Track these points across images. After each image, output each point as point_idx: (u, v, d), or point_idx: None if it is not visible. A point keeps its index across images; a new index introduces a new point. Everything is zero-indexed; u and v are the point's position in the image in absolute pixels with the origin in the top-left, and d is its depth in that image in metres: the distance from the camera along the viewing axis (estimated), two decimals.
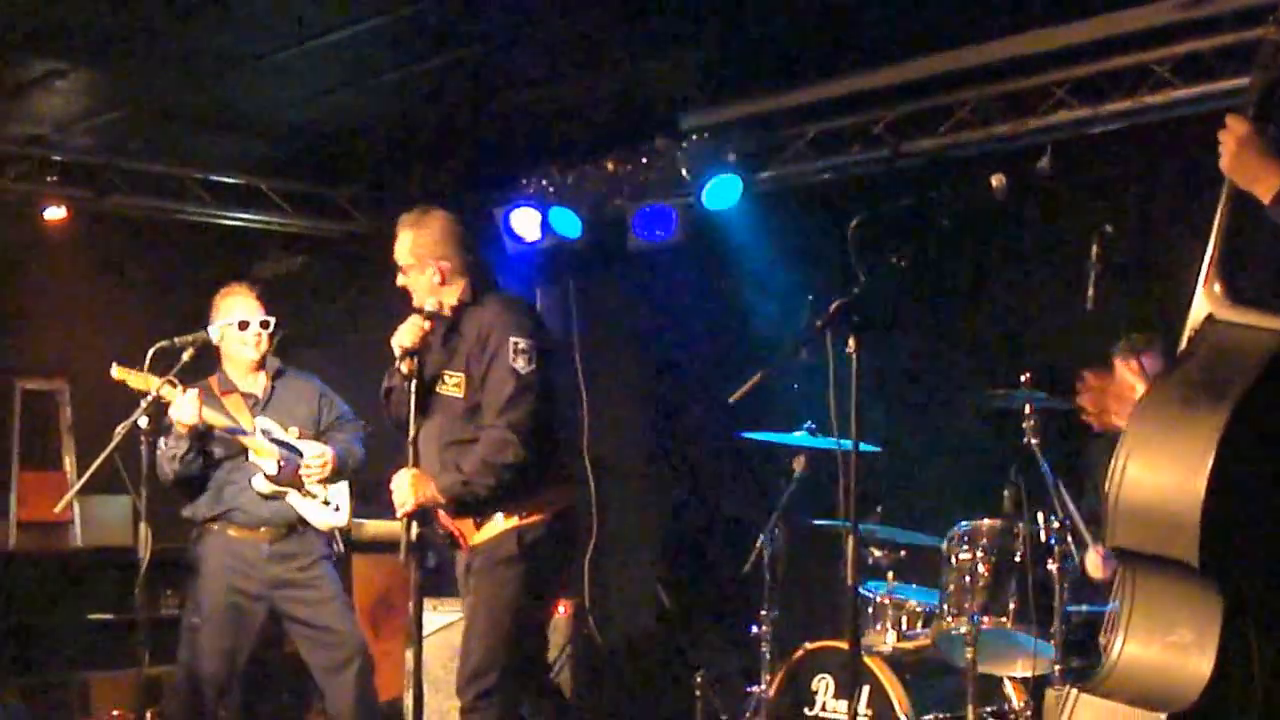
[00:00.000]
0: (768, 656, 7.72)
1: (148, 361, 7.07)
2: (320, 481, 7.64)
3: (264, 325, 7.70)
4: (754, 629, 7.81)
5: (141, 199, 10.30)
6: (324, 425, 7.85)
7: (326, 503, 7.68)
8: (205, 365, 7.74)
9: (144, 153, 10.17)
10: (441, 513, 6.42)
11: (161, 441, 7.36)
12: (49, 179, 9.98)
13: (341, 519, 7.73)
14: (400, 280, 6.52)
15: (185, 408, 7.29)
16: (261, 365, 7.79)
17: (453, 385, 6.39)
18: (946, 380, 8.65)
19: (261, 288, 7.81)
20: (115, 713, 9.27)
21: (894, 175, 8.91)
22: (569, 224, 9.94)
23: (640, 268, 10.20)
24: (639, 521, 10.34)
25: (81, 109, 9.33)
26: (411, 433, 6.22)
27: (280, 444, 7.62)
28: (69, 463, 10.97)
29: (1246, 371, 3.82)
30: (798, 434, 7.68)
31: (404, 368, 6.29)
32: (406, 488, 6.18)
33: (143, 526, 6.98)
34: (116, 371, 7.19)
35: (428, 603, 7.29)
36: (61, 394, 11.05)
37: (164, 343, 7.17)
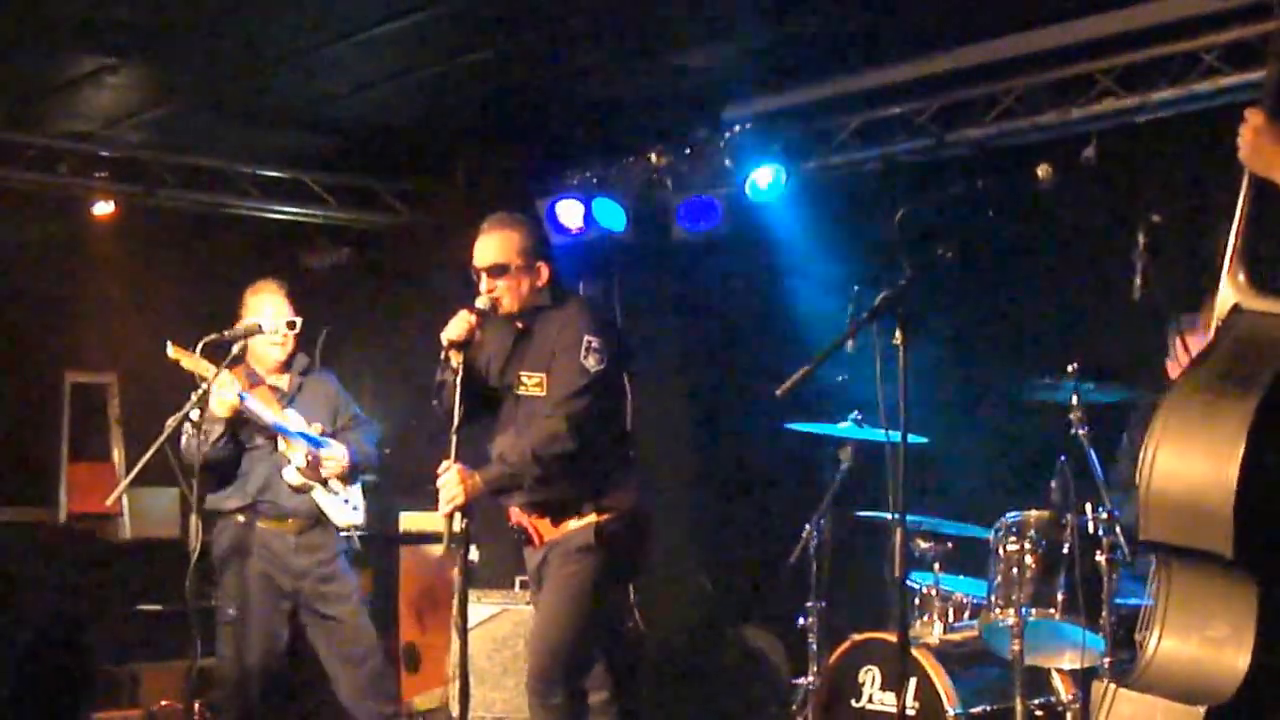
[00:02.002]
0: (814, 648, 7.71)
1: (197, 353, 7.05)
2: (339, 478, 7.64)
3: (290, 326, 7.70)
4: (800, 620, 7.80)
5: (189, 193, 10.36)
6: (339, 424, 7.84)
7: (346, 500, 7.68)
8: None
9: (192, 148, 10.22)
10: (515, 509, 6.44)
11: (188, 432, 7.34)
12: (98, 174, 10.03)
13: (359, 517, 7.73)
14: (490, 283, 6.39)
15: (225, 392, 7.30)
16: (289, 362, 7.81)
17: (534, 386, 6.38)
18: (994, 370, 8.57)
19: (290, 286, 7.83)
20: (164, 703, 9.25)
21: (939, 165, 8.88)
22: (613, 216, 9.91)
23: (684, 259, 10.17)
24: (685, 513, 10.27)
25: (131, 104, 9.37)
26: (454, 424, 6.17)
27: (306, 438, 7.61)
28: (117, 455, 11.04)
29: (1274, 359, 3.80)
30: (844, 425, 7.65)
31: (453, 360, 6.26)
32: (455, 482, 6.14)
33: (193, 519, 7.00)
34: (172, 351, 7.15)
35: (472, 594, 7.28)
36: (110, 387, 11.14)
37: (213, 336, 7.16)
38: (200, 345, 7.05)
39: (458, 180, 10.62)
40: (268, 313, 7.65)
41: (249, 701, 7.51)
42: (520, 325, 6.50)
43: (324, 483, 7.62)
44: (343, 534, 7.71)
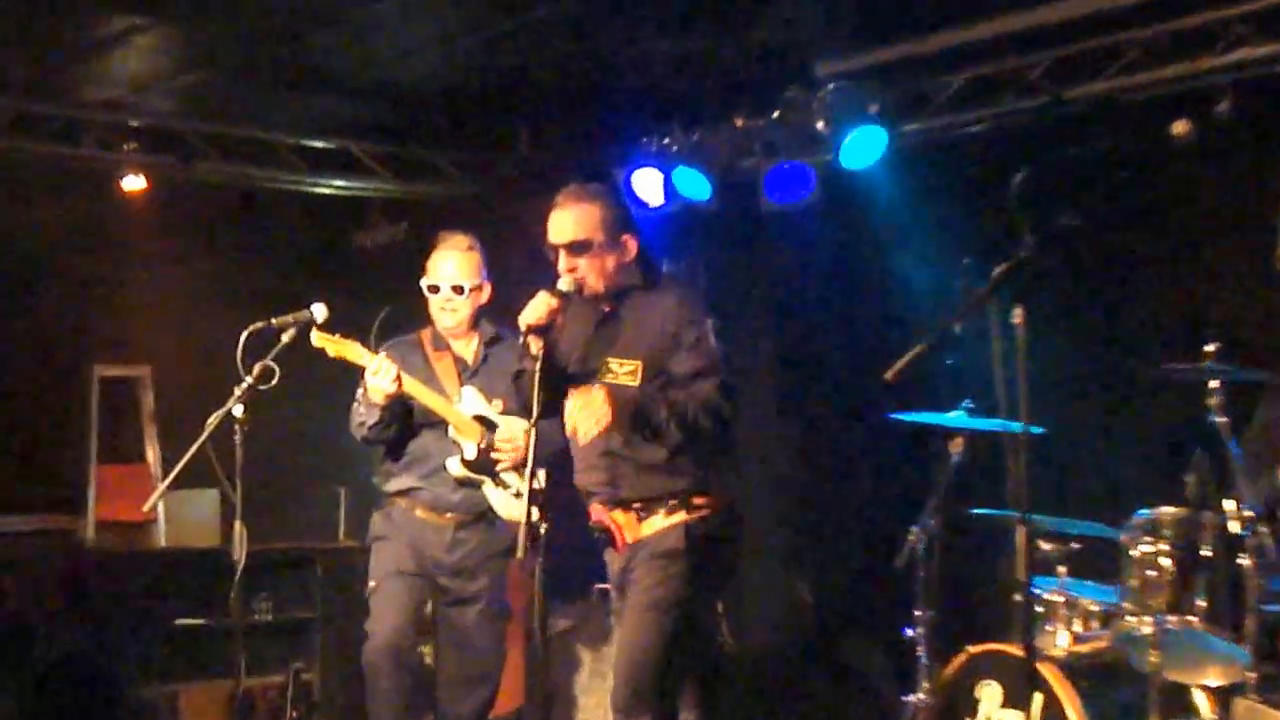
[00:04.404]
0: (924, 661, 7.70)
1: (240, 347, 6.95)
2: (513, 468, 7.72)
3: (457, 290, 7.86)
4: (908, 631, 7.79)
5: (228, 165, 10.42)
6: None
7: (518, 494, 7.74)
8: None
9: (229, 115, 10.28)
10: (596, 505, 6.47)
11: (355, 404, 7.65)
12: (127, 146, 10.07)
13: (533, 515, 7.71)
14: (570, 261, 6.40)
15: (382, 378, 7.48)
16: (474, 327, 7.98)
17: (625, 374, 6.36)
18: (1122, 352, 8.50)
19: (471, 241, 7.97)
20: None
21: (1054, 125, 8.77)
22: (695, 186, 9.92)
23: (774, 233, 10.19)
24: (775, 511, 10.29)
25: (162, 68, 9.41)
26: (534, 416, 6.17)
27: (481, 420, 7.77)
28: (152, 455, 11.06)
29: None
30: (954, 414, 7.63)
31: (532, 347, 6.25)
32: (600, 403, 6.11)
33: (237, 525, 6.99)
34: (316, 338, 7.34)
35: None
36: (143, 380, 11.13)
37: (259, 324, 7.09)
38: (244, 335, 7.00)
39: (522, 149, 10.69)
40: (444, 270, 7.85)
41: (379, 682, 7.63)
42: (606, 307, 6.52)
43: (495, 476, 7.77)
44: (511, 532, 7.61)
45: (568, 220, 6.41)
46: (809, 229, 10.01)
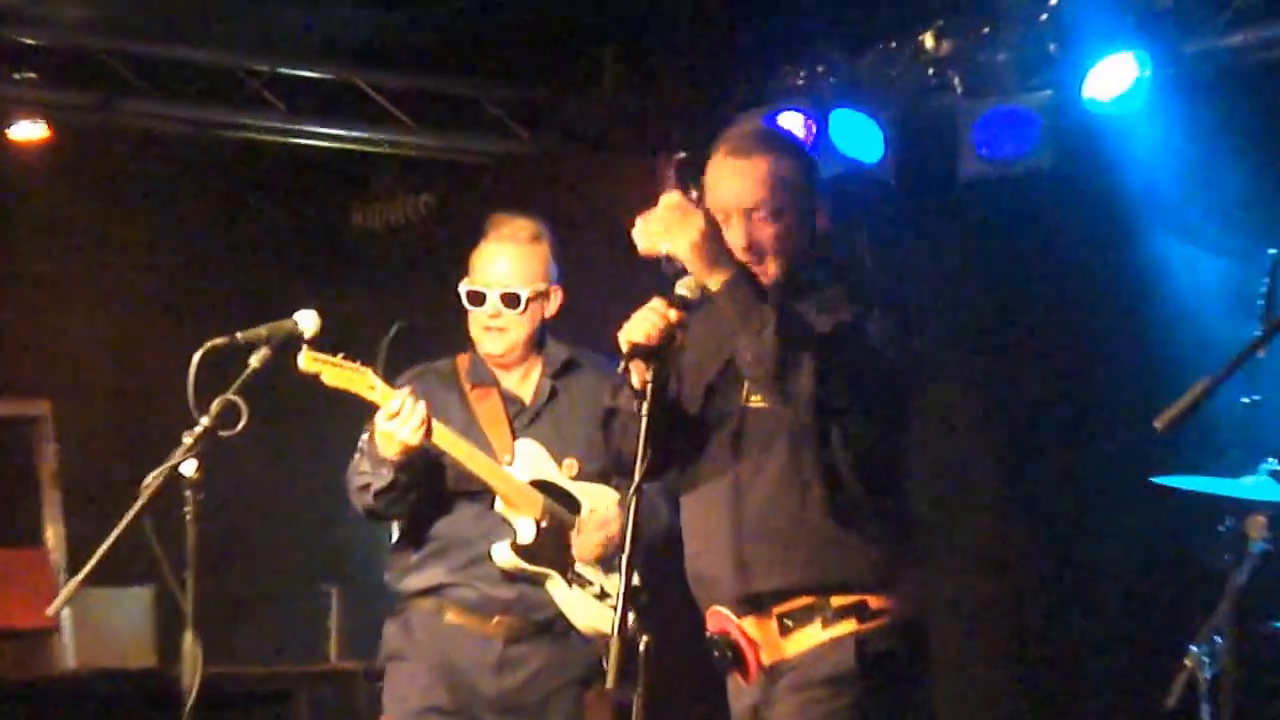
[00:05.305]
0: None
1: (191, 375, 6.57)
2: (597, 561, 7.67)
3: (510, 301, 7.70)
4: None
5: (169, 106, 10.48)
6: None
7: (603, 595, 7.69)
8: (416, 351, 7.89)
9: (171, 34, 10.34)
10: (718, 609, 6.26)
11: (356, 458, 7.53)
12: (19, 75, 10.16)
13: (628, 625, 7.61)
14: (744, 235, 6.20)
15: (402, 424, 7.34)
16: (534, 352, 7.87)
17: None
18: None
19: (537, 229, 7.82)
20: None
21: None
22: (862, 138, 10.00)
23: (979, 204, 10.27)
24: (977, 605, 10.43)
25: None
26: (636, 478, 5.94)
27: (544, 487, 7.67)
28: (53, 534, 11.08)
29: None
30: (1253, 480, 7.58)
31: (634, 378, 6.09)
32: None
33: (186, 639, 6.49)
34: (305, 361, 7.24)
35: None
36: (40, 423, 11.16)
37: (218, 340, 6.71)
38: (198, 355, 6.59)
39: (606, 87, 10.67)
40: (495, 270, 7.74)
41: None
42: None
43: (565, 569, 7.67)
44: (591, 648, 7.65)
45: (752, 173, 6.27)
46: (1031, 201, 10.07)
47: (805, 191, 6.32)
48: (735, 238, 6.16)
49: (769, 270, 6.23)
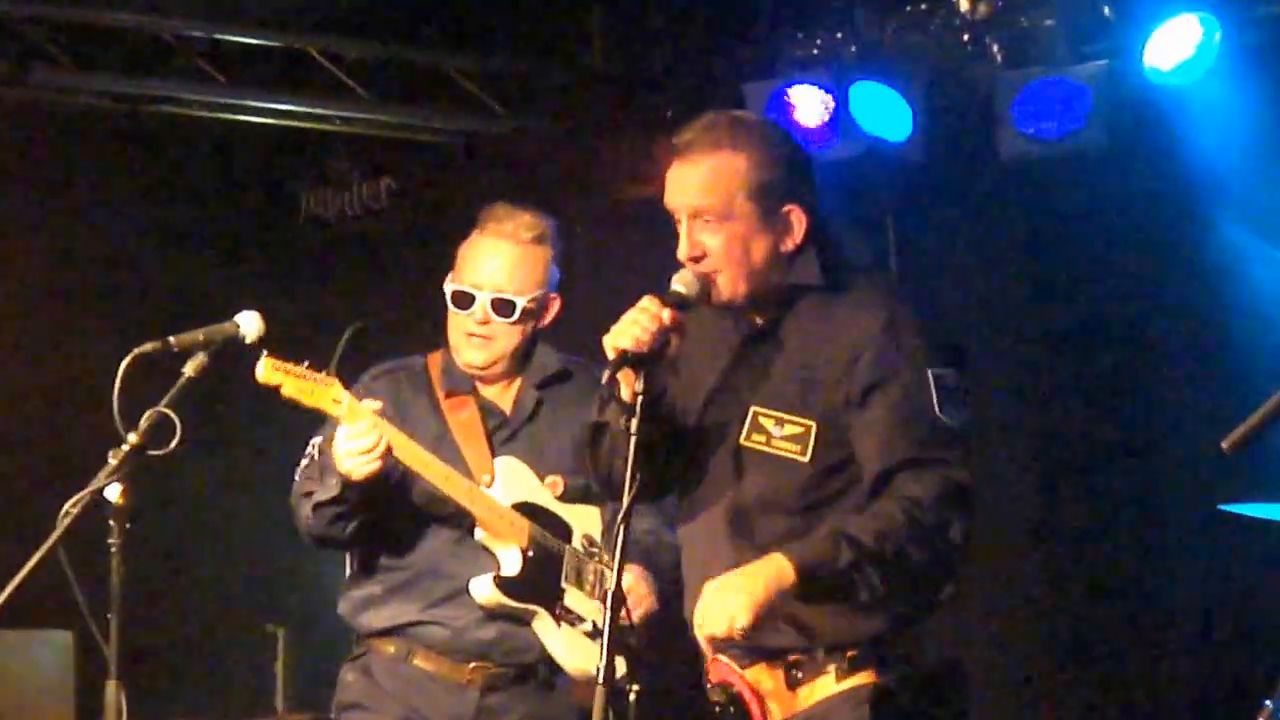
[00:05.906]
0: None
1: (117, 385, 6.35)
2: (596, 596, 7.40)
3: (501, 309, 7.36)
4: None
5: (91, 76, 10.42)
6: None
7: (596, 633, 7.14)
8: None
9: None
10: (722, 660, 6.01)
11: (304, 463, 7.30)
12: None
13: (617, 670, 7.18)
14: (693, 242, 5.95)
15: (358, 440, 6.99)
16: (516, 363, 7.52)
17: (784, 440, 5.97)
18: None
19: (543, 227, 7.47)
20: None
21: None
22: (889, 113, 9.84)
23: (1021, 188, 10.13)
24: (1023, 648, 10.27)
25: None
26: (624, 502, 5.67)
27: (528, 510, 7.35)
28: None
29: None
30: None
31: (623, 389, 5.82)
32: (740, 588, 5.65)
33: (109, 689, 6.31)
34: (265, 371, 6.90)
35: None
36: None
37: (148, 345, 6.48)
38: (125, 361, 6.39)
39: (596, 56, 10.48)
40: (486, 270, 7.38)
41: None
42: (757, 320, 6.13)
43: (553, 604, 7.32)
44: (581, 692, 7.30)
45: (694, 173, 6.05)
46: (1081, 185, 9.87)
47: (766, 192, 6.01)
48: (682, 249, 6.08)
49: (724, 286, 6.03)
